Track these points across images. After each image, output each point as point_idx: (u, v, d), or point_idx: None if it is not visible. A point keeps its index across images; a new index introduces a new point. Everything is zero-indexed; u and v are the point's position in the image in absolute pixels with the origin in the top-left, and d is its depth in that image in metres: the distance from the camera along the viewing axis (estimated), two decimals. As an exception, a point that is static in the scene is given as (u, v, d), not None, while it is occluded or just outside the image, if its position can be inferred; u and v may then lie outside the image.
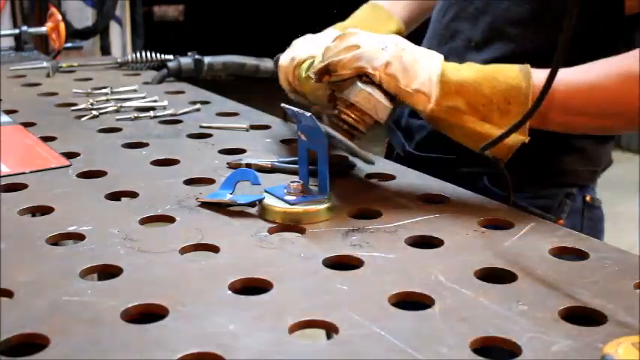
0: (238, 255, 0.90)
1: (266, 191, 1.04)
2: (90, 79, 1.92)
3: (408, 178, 1.18)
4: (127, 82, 1.85)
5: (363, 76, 1.07)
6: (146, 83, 1.85)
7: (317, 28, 1.35)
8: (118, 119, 1.51)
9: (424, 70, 1.05)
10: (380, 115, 1.08)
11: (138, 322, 0.75)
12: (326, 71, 1.08)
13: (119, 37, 4.04)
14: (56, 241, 0.95)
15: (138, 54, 2.04)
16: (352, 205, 1.05)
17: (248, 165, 1.20)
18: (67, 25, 2.46)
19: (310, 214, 1.00)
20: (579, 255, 0.91)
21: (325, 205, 1.01)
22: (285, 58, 1.30)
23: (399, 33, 1.37)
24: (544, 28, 1.18)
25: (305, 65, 1.23)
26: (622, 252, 0.92)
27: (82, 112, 1.55)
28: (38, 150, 1.30)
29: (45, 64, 2.03)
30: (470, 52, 1.26)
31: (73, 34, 3.03)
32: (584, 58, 1.06)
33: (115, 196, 1.10)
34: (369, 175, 1.19)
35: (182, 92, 1.78)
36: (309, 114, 1.00)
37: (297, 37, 1.32)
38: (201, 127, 1.46)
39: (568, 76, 1.04)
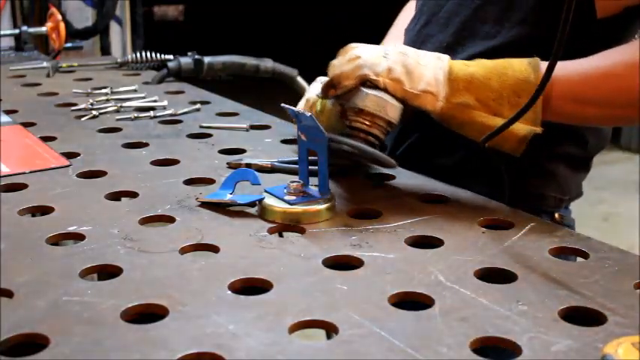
0: (238, 255, 0.90)
1: (266, 191, 1.04)
2: (90, 79, 1.92)
3: (408, 178, 1.18)
4: (127, 82, 1.85)
5: (367, 82, 1.07)
6: (146, 83, 1.85)
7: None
8: (118, 119, 1.51)
9: (429, 71, 1.06)
10: (391, 115, 1.08)
11: (138, 322, 0.75)
12: (331, 86, 1.10)
13: (119, 37, 4.04)
14: (56, 241, 0.95)
15: (138, 54, 2.04)
16: (352, 205, 1.05)
17: (248, 165, 1.20)
18: (67, 25, 2.46)
19: (310, 214, 1.00)
20: (579, 255, 0.91)
21: (325, 205, 1.01)
22: (301, 103, 1.33)
23: None
24: (518, 23, 1.17)
25: (319, 102, 1.25)
26: (622, 252, 0.92)
27: (82, 112, 1.55)
28: (38, 150, 1.30)
29: (45, 64, 2.03)
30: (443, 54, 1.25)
31: (73, 34, 3.03)
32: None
33: (115, 196, 1.10)
34: (369, 175, 1.19)
35: (182, 92, 1.78)
36: (309, 114, 1.00)
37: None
38: (201, 127, 1.46)
39: (575, 66, 1.04)
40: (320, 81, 1.32)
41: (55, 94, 1.76)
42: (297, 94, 1.31)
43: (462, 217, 1.02)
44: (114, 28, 3.93)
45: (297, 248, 0.92)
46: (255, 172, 1.06)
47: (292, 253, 0.90)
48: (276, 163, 1.21)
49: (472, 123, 1.06)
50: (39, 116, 1.54)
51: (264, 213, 1.01)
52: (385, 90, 1.07)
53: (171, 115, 1.55)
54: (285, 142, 1.36)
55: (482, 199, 1.09)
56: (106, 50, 3.64)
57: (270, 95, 1.77)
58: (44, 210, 1.04)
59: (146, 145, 1.35)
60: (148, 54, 2.03)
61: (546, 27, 1.06)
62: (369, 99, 1.07)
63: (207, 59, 1.88)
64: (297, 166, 1.10)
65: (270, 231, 0.97)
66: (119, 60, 2.07)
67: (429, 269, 0.86)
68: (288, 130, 1.43)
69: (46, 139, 1.37)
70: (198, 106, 1.61)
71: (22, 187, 1.12)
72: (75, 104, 1.60)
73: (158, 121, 1.51)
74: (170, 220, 1.01)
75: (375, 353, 0.69)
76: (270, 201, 1.01)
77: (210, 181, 1.16)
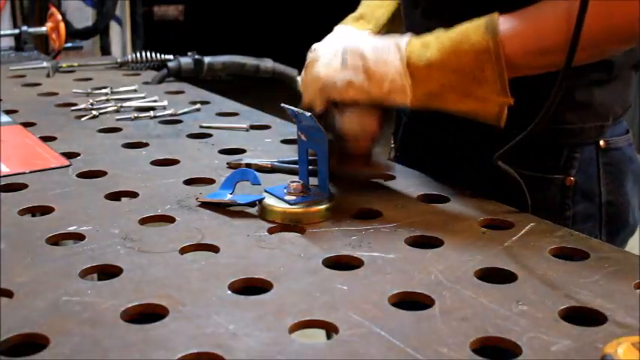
0: (238, 255, 0.90)
1: (266, 191, 1.04)
2: (90, 79, 1.92)
3: (408, 178, 1.18)
4: (127, 82, 1.85)
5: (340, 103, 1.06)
6: (146, 83, 1.85)
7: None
8: (118, 119, 1.51)
9: (391, 67, 1.02)
10: (369, 129, 1.07)
11: (138, 322, 0.75)
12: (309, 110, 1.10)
13: (119, 37, 4.04)
14: (56, 241, 0.95)
15: (138, 54, 2.04)
16: (352, 205, 1.05)
17: (248, 165, 1.20)
18: (67, 25, 2.46)
19: (310, 214, 1.00)
20: (579, 255, 0.91)
21: (325, 205, 1.01)
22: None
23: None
24: None
25: None
26: (622, 252, 0.92)
27: (82, 112, 1.55)
28: (38, 150, 1.30)
29: (45, 64, 2.03)
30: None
31: (73, 34, 3.03)
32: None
33: (115, 196, 1.10)
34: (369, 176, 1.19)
35: (182, 92, 1.78)
36: (309, 114, 1.00)
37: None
38: (201, 127, 1.46)
39: (515, 21, 0.99)
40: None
41: (55, 94, 1.76)
42: (297, 94, 1.31)
43: (462, 217, 1.02)
44: (114, 28, 3.93)
45: (297, 248, 0.92)
46: (255, 172, 1.06)
47: (292, 253, 0.90)
48: (276, 163, 1.21)
49: (446, 109, 1.03)
50: (39, 116, 1.54)
51: (264, 213, 1.01)
52: (354, 103, 1.05)
53: (171, 115, 1.55)
54: (285, 142, 1.36)
55: (483, 199, 1.09)
56: (106, 50, 3.65)
57: (270, 95, 1.78)
58: (44, 210, 1.04)
59: (146, 145, 1.35)
60: (148, 54, 2.03)
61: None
62: (345, 122, 1.06)
63: (207, 59, 1.88)
64: (297, 166, 1.10)
65: (270, 231, 0.97)
66: (119, 60, 2.07)
67: (429, 269, 0.86)
68: (288, 130, 1.43)
69: (46, 139, 1.37)
70: (198, 106, 1.61)
71: (22, 187, 1.12)
72: (75, 104, 1.60)
73: (158, 121, 1.51)
74: (170, 220, 1.01)
75: (375, 353, 0.69)
76: (270, 201, 1.01)
77: (210, 181, 1.16)
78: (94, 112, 1.54)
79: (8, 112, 1.56)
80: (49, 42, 2.49)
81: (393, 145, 1.41)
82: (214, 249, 0.91)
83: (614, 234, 1.21)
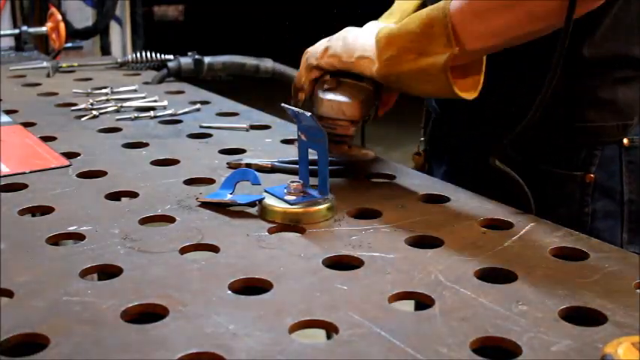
0: (238, 255, 0.90)
1: (266, 191, 1.04)
2: (90, 79, 1.92)
3: (408, 178, 1.18)
4: (127, 82, 1.85)
5: (324, 84, 1.12)
6: (146, 83, 1.85)
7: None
8: (118, 119, 1.51)
9: (365, 40, 1.10)
10: (349, 114, 1.11)
11: (138, 322, 0.75)
12: (299, 89, 1.17)
13: (119, 37, 4.04)
14: (56, 241, 0.95)
15: (138, 54, 2.04)
16: (352, 205, 1.05)
17: (248, 165, 1.20)
18: (67, 25, 2.46)
19: (310, 214, 1.00)
20: (579, 255, 0.91)
21: (325, 205, 1.01)
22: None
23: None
24: None
25: None
26: (622, 252, 0.92)
27: (82, 112, 1.55)
28: (38, 150, 1.30)
29: (45, 64, 2.03)
30: None
31: (73, 34, 3.03)
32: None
33: (115, 196, 1.10)
34: (369, 175, 1.19)
35: (182, 92, 1.78)
36: (309, 114, 1.00)
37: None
38: (201, 127, 1.46)
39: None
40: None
41: (55, 94, 1.76)
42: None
43: (462, 217, 1.02)
44: (114, 28, 3.93)
45: (297, 248, 0.92)
46: (255, 172, 1.06)
47: (292, 253, 0.90)
48: (276, 163, 1.21)
49: (404, 73, 1.06)
50: (39, 116, 1.54)
51: (264, 213, 1.01)
52: (338, 84, 1.11)
53: (171, 115, 1.55)
54: (285, 142, 1.36)
55: (483, 199, 1.09)
56: (106, 50, 3.65)
57: (270, 95, 1.77)
58: (44, 210, 1.04)
59: (146, 145, 1.35)
60: (148, 54, 2.03)
61: None
62: (325, 105, 1.12)
63: (207, 59, 1.88)
64: (297, 166, 1.10)
65: (270, 231, 0.97)
66: (119, 60, 2.08)
67: (429, 269, 0.86)
68: (288, 130, 1.43)
69: (46, 139, 1.37)
70: (198, 106, 1.61)
71: (22, 187, 1.12)
72: (75, 104, 1.60)
73: (158, 121, 1.51)
74: (170, 220, 1.01)
75: (375, 353, 0.69)
76: (270, 201, 1.01)
77: (210, 181, 1.15)
78: (94, 112, 1.54)
79: (8, 112, 1.56)
80: (49, 42, 2.49)
81: (422, 139, 1.42)
82: (214, 249, 0.91)
83: (636, 232, 1.21)
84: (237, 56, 1.92)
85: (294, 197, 1.02)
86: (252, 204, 1.03)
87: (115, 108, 1.57)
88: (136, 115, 1.53)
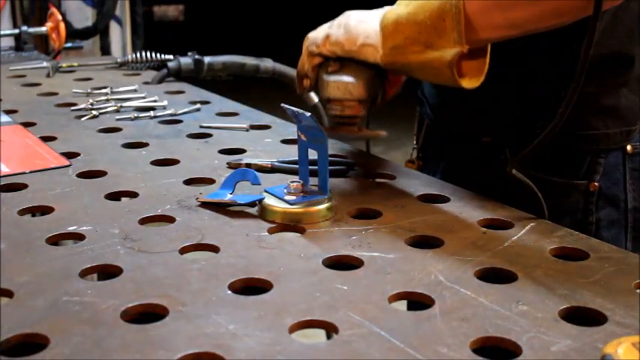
0: (238, 255, 0.90)
1: (266, 191, 1.04)
2: (90, 79, 1.92)
3: (408, 178, 1.18)
4: (127, 82, 1.86)
5: (328, 67, 1.12)
6: (146, 83, 1.85)
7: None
8: (118, 119, 1.51)
9: (369, 25, 1.08)
10: (356, 94, 1.11)
11: (138, 322, 0.75)
12: (303, 77, 1.15)
13: (119, 37, 4.04)
14: (56, 241, 0.95)
15: (138, 54, 2.04)
16: (352, 205, 1.05)
17: (248, 165, 1.20)
18: (67, 25, 2.47)
19: (310, 214, 1.00)
20: (579, 255, 0.91)
21: (325, 205, 1.01)
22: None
23: None
24: None
25: None
26: (622, 252, 0.92)
27: (82, 112, 1.55)
28: (38, 150, 1.30)
29: (45, 64, 2.03)
30: None
31: (73, 34, 3.03)
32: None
33: (115, 196, 1.10)
34: (369, 175, 1.19)
35: (182, 92, 1.78)
36: (309, 114, 1.00)
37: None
38: (201, 127, 1.46)
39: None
40: None
41: (55, 94, 1.76)
42: (297, 94, 1.31)
43: (462, 217, 1.02)
44: (114, 28, 3.93)
45: (297, 248, 0.92)
46: (255, 172, 1.06)
47: (292, 253, 0.90)
48: (276, 163, 1.21)
49: (409, 63, 1.06)
50: (39, 116, 1.54)
51: (264, 213, 1.01)
52: (341, 66, 1.10)
53: (171, 115, 1.55)
54: (285, 142, 1.36)
55: (483, 199, 1.09)
56: (106, 50, 3.65)
57: (270, 95, 1.78)
58: (44, 210, 1.04)
59: (146, 145, 1.35)
60: (148, 54, 2.03)
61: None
62: (331, 87, 1.11)
63: (207, 59, 1.88)
64: (297, 166, 1.10)
65: (270, 231, 0.97)
66: (119, 60, 2.08)
67: (429, 269, 0.86)
68: (288, 130, 1.43)
69: (46, 139, 1.37)
70: (198, 106, 1.61)
71: (22, 187, 1.12)
72: (75, 104, 1.60)
73: (158, 121, 1.51)
74: (170, 220, 1.01)
75: (375, 353, 0.69)
76: (270, 201, 1.01)
77: (210, 181, 1.15)
78: (94, 112, 1.54)
79: (8, 112, 1.56)
80: (49, 42, 2.49)
81: (415, 146, 1.41)
82: (214, 249, 0.91)
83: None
84: (237, 56, 1.92)
85: (294, 197, 1.02)
86: (252, 204, 1.03)
87: (115, 108, 1.57)
88: (135, 115, 1.53)
